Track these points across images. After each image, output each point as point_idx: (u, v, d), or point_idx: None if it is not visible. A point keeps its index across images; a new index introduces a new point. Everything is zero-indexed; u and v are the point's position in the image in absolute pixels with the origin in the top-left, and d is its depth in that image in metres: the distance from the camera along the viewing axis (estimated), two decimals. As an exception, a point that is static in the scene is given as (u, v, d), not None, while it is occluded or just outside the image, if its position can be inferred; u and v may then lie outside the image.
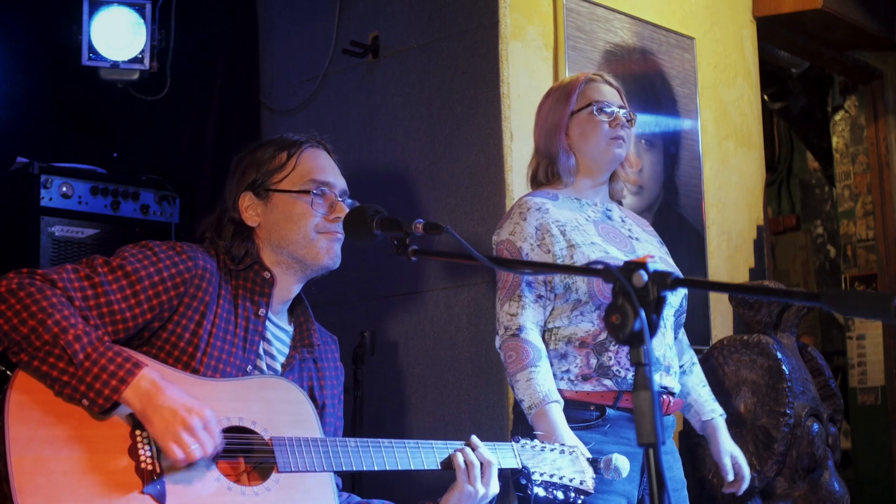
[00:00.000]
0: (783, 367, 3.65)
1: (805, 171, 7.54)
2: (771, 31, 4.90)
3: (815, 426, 3.67)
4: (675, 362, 2.77)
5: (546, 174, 2.86)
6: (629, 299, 1.45)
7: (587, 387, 2.65)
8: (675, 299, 2.82)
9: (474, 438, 2.29)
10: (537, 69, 3.71)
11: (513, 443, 2.35)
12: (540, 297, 2.70)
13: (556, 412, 2.58)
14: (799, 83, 6.60)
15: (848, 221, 6.22)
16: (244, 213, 2.29)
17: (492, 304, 3.52)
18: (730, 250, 4.41)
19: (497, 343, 2.72)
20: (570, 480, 2.38)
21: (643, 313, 1.44)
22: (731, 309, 4.19)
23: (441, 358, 3.63)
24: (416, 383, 3.70)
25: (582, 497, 2.40)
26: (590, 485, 2.41)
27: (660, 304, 1.46)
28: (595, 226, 2.79)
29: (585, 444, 2.57)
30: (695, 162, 4.26)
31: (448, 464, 2.25)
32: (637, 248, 2.81)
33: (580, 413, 2.65)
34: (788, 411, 3.60)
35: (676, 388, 2.78)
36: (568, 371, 2.67)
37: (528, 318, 2.67)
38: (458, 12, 3.74)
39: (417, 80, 3.83)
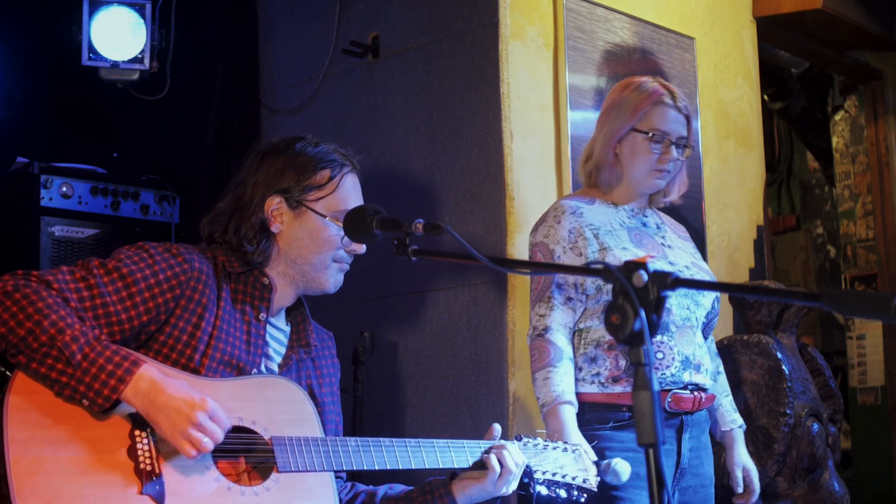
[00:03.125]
0: (783, 367, 3.65)
1: (805, 171, 7.54)
2: (771, 31, 4.90)
3: (815, 426, 3.67)
4: (705, 359, 2.82)
5: (590, 177, 2.91)
6: (629, 299, 1.45)
7: (618, 388, 2.70)
8: (707, 300, 2.85)
9: (504, 442, 2.29)
10: (537, 69, 3.70)
11: (515, 441, 2.35)
12: (570, 299, 2.75)
13: (568, 413, 2.64)
14: (799, 83, 6.60)
15: (848, 221, 6.22)
16: (270, 215, 2.26)
17: (491, 303, 3.52)
18: (730, 250, 4.41)
19: (528, 342, 2.78)
20: (573, 479, 2.39)
21: (643, 313, 1.44)
22: (731, 309, 4.19)
23: (441, 358, 3.63)
24: (416, 383, 3.70)
25: (585, 495, 2.40)
26: (593, 483, 2.41)
27: (660, 304, 1.46)
28: (629, 232, 2.84)
29: (619, 442, 2.64)
30: (695, 162, 4.26)
31: (448, 463, 2.25)
32: (668, 255, 2.86)
33: (613, 414, 2.70)
34: (788, 411, 3.60)
35: (708, 385, 2.82)
36: (598, 374, 2.73)
37: (556, 319, 2.73)
38: (458, 12, 3.74)
39: (417, 80, 3.83)
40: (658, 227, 2.94)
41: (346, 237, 2.21)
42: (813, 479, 3.70)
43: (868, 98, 5.86)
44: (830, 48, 5.36)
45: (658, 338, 2.71)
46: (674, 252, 2.88)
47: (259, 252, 2.24)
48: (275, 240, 2.27)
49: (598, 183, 2.89)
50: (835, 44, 5.34)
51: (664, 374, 2.71)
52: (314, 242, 2.25)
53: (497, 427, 2.33)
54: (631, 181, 2.86)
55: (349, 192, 2.30)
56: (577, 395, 2.71)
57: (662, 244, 2.89)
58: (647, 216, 2.94)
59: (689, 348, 2.76)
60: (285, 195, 2.25)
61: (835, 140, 6.32)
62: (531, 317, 2.78)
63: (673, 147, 2.83)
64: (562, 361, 2.68)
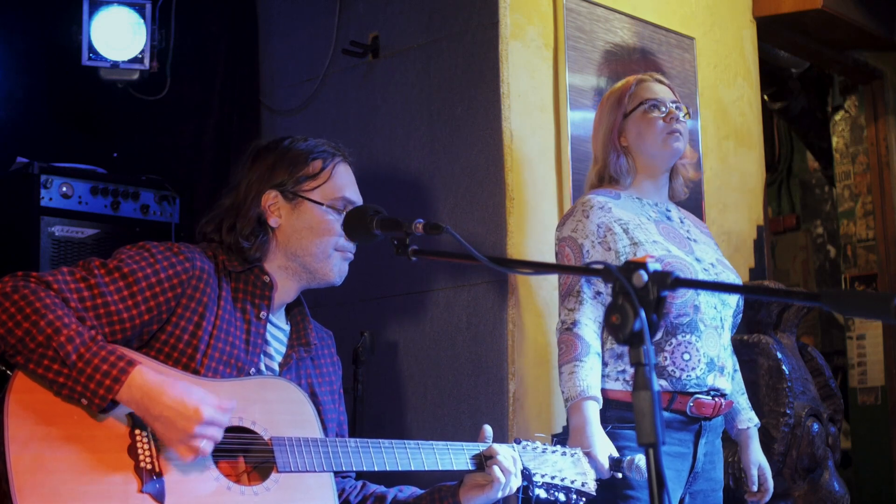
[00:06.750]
0: (783, 367, 3.65)
1: (805, 171, 7.54)
2: (771, 31, 4.90)
3: (815, 426, 3.67)
4: (728, 363, 2.81)
5: (602, 178, 2.90)
6: (629, 299, 1.45)
7: None
8: (732, 300, 2.85)
9: (495, 446, 2.30)
10: (537, 69, 3.70)
11: (514, 444, 2.35)
12: (598, 293, 2.74)
13: (591, 409, 2.62)
14: (799, 83, 6.60)
15: (848, 221, 6.22)
16: (267, 210, 2.27)
17: (491, 303, 3.52)
18: (730, 250, 4.41)
19: (556, 336, 2.77)
20: (572, 482, 2.38)
21: (643, 313, 1.44)
22: (731, 309, 4.18)
23: (441, 358, 3.63)
24: (416, 383, 3.70)
25: (584, 499, 2.40)
26: (591, 486, 2.41)
27: (660, 304, 1.46)
28: (656, 225, 2.83)
29: (634, 442, 2.60)
30: (695, 162, 4.25)
31: (447, 465, 2.26)
32: (695, 249, 2.85)
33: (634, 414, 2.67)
34: (788, 411, 3.60)
35: (728, 390, 2.81)
36: (624, 371, 2.71)
37: (585, 313, 2.71)
38: (458, 12, 3.74)
39: (417, 80, 3.83)
40: (682, 222, 2.94)
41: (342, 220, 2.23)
42: (813, 479, 3.70)
43: (868, 98, 5.86)
44: (830, 48, 5.36)
45: (686, 337, 2.70)
46: (699, 247, 2.87)
47: (256, 247, 2.24)
48: (273, 234, 2.27)
49: (612, 177, 2.88)
50: (835, 44, 5.34)
51: (689, 376, 2.69)
52: (314, 232, 2.25)
53: (488, 428, 2.33)
54: (649, 161, 2.86)
55: (343, 180, 2.31)
56: (602, 391, 2.69)
57: (688, 238, 2.88)
58: (670, 210, 2.94)
59: (715, 350, 2.74)
60: (280, 189, 2.26)
61: (835, 140, 6.32)
62: (560, 311, 2.77)
63: (672, 106, 2.84)
64: (589, 356, 2.65)
